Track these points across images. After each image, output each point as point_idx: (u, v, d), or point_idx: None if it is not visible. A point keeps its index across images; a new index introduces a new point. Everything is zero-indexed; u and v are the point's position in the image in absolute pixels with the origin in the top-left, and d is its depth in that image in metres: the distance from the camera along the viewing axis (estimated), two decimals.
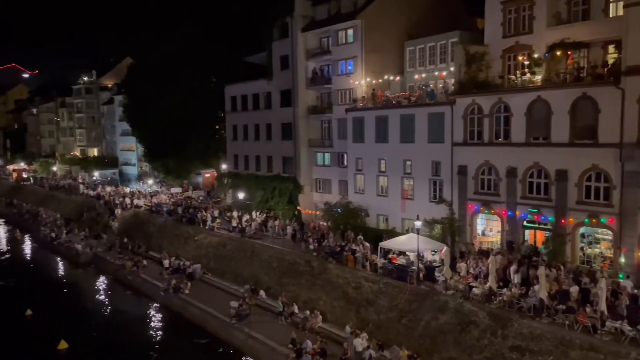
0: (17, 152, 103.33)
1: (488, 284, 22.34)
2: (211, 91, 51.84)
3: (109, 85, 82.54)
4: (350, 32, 36.58)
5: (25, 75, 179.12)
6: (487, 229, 28.82)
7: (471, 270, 24.24)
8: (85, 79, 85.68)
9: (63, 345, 26.10)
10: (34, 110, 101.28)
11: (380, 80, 35.18)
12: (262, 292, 29.82)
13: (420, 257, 25.74)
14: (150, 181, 62.61)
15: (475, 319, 21.02)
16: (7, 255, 47.44)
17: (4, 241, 54.24)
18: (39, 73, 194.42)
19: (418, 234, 25.15)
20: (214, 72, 51.79)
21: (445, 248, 25.54)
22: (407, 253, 26.43)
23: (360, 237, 29.88)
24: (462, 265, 24.69)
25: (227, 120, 49.22)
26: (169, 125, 50.82)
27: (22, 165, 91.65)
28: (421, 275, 24.98)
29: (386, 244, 27.66)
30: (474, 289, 22.59)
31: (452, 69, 30.85)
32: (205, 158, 54.73)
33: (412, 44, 34.82)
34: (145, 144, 58.72)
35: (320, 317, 25.84)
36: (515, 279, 22.17)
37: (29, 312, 30.92)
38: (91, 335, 28.10)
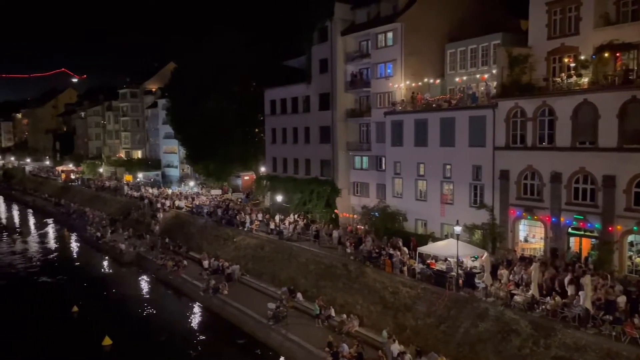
0: (66, 154, 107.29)
1: (530, 292, 21.75)
2: (251, 95, 52.64)
3: (153, 89, 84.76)
4: (389, 35, 36.41)
5: (75, 80, 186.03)
6: (530, 235, 28.07)
7: (512, 278, 23.66)
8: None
9: (107, 341, 26.91)
10: (82, 114, 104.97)
11: (419, 83, 34.86)
12: (299, 295, 29.94)
13: (459, 263, 25.30)
14: (192, 183, 63.96)
15: (517, 328, 20.48)
16: (55, 253, 49.30)
17: (52, 239, 56.40)
18: (87, 77, 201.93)
19: (457, 239, 24.72)
20: (254, 76, 52.52)
21: (485, 254, 25.02)
22: (446, 259, 26.04)
23: (396, 240, 29.66)
24: (503, 272, 24.12)
25: (267, 124, 49.77)
26: (209, 129, 51.84)
27: (71, 166, 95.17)
28: (460, 281, 24.53)
29: (425, 249, 27.34)
30: (516, 297, 22.02)
31: (494, 71, 30.28)
32: (245, 161, 55.52)
33: (453, 47, 34.36)
34: (187, 146, 60.01)
35: (357, 321, 25.73)
36: (570, 290, 21.16)
37: (75, 308, 31.99)
38: (134, 332, 28.83)
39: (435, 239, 29.65)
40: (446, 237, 29.88)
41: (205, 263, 37.61)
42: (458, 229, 24.92)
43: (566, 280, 21.72)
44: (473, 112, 30.13)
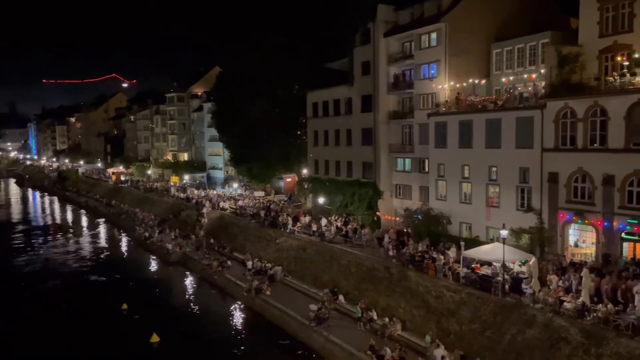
0: (117, 156, 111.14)
1: (581, 299, 20.98)
2: (293, 98, 53.11)
3: (199, 94, 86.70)
4: (433, 35, 35.98)
5: (125, 85, 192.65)
6: (580, 240, 27.06)
7: (562, 284, 22.89)
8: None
9: (155, 338, 27.68)
10: (132, 118, 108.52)
11: (464, 84, 34.26)
12: (341, 297, 29.96)
13: (506, 267, 24.67)
14: (235, 185, 65.05)
15: (567, 336, 19.79)
16: (106, 253, 51.13)
17: (103, 239, 58.55)
18: (137, 82, 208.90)
19: (504, 243, 24.14)
20: (296, 79, 52.98)
21: (533, 259, 24.32)
22: (492, 263, 25.47)
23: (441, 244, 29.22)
24: (552, 278, 23.37)
25: (309, 126, 50.07)
26: (253, 131, 52.62)
27: (121, 168, 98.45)
28: (507, 286, 23.91)
29: (469, 252, 26.82)
30: (565, 304, 21.29)
31: (542, 71, 29.42)
32: (287, 163, 56.02)
33: (499, 46, 33.61)
34: (231, 149, 61.10)
35: (400, 324, 25.50)
36: (637, 298, 20.15)
37: (124, 306, 33.03)
38: (180, 330, 29.54)
39: (480, 243, 29.04)
40: (491, 240, 29.21)
41: (249, 264, 38.17)
42: (504, 232, 24.31)
43: (635, 289, 20.40)
44: (520, 112, 29.34)
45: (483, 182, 31.58)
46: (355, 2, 42.49)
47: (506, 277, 24.25)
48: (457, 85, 34.45)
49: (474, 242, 29.43)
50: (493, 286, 24.01)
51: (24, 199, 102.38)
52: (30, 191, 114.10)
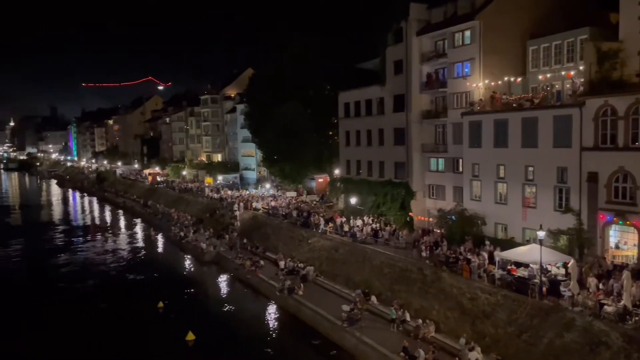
0: (153, 158, 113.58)
1: (622, 302, 20.30)
2: (325, 98, 53.19)
3: (232, 95, 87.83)
4: (467, 33, 35.44)
5: (160, 88, 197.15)
6: (621, 241, 26.19)
7: (602, 286, 22.21)
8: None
9: (190, 336, 28.16)
10: (167, 120, 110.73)
11: (499, 82, 33.62)
12: (373, 298, 29.83)
13: (543, 269, 24.09)
14: (268, 185, 65.59)
15: (607, 340, 19.19)
16: (142, 252, 52.31)
17: (140, 239, 59.93)
18: (172, 85, 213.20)
19: (541, 244, 23.58)
20: (328, 80, 53.05)
21: (572, 261, 23.67)
22: (529, 265, 24.91)
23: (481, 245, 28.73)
24: (592, 281, 22.71)
25: (340, 126, 50.05)
26: (285, 132, 52.96)
27: (157, 169, 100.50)
28: (544, 289, 23.35)
29: (505, 254, 26.30)
30: (606, 307, 20.64)
31: (581, 67, 28.60)
32: (319, 163, 56.16)
33: (536, 43, 32.84)
34: (263, 150, 61.67)
35: (433, 326, 25.23)
36: None
37: (160, 304, 33.69)
38: (214, 328, 29.98)
39: (516, 244, 28.45)
40: (528, 242, 28.60)
41: (281, 263, 38.42)
42: (542, 234, 23.76)
43: None
44: (558, 111, 28.62)
45: (519, 182, 30.92)
46: (387, 1, 42.29)
47: (544, 279, 23.69)
48: (492, 84, 33.84)
49: (509, 244, 28.88)
50: (530, 288, 23.47)
51: (65, 200, 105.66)
52: (70, 192, 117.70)
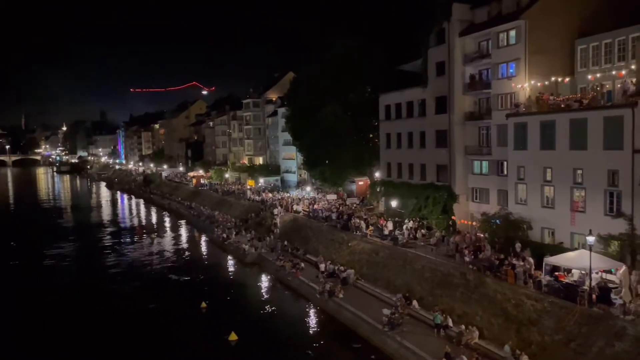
0: (197, 161, 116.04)
1: None
2: (366, 101, 53.05)
3: (274, 99, 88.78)
4: (512, 33, 34.62)
5: (204, 92, 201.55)
6: None
7: None
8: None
9: (233, 337, 28.61)
10: (211, 123, 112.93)
11: (546, 83, 32.67)
12: (414, 302, 29.51)
13: (593, 276, 23.22)
14: (308, 188, 65.88)
15: None
16: (187, 253, 53.52)
17: (184, 240, 61.33)
18: (215, 89, 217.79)
19: (590, 250, 22.76)
20: (369, 82, 52.90)
21: (623, 268, 22.73)
22: (576, 271, 24.06)
23: (523, 249, 27.96)
24: None
25: (381, 129, 49.79)
26: (325, 135, 53.10)
27: (200, 172, 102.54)
28: (594, 296, 22.50)
29: (553, 259, 25.50)
30: None
31: (633, 67, 27.49)
32: (359, 166, 55.99)
33: (585, 42, 31.79)
34: (304, 153, 62.01)
35: (477, 332, 24.72)
36: None
37: (204, 304, 34.41)
38: (256, 329, 30.38)
39: (564, 250, 27.54)
40: (577, 247, 27.62)
41: (322, 266, 38.52)
42: (591, 239, 22.94)
43: None
44: (608, 112, 27.54)
45: (567, 185, 29.92)
46: (429, 2, 41.82)
47: (593, 286, 22.83)
48: (539, 84, 32.93)
49: (557, 249, 27.99)
50: (579, 295, 22.68)
51: (113, 202, 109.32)
52: (118, 194, 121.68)
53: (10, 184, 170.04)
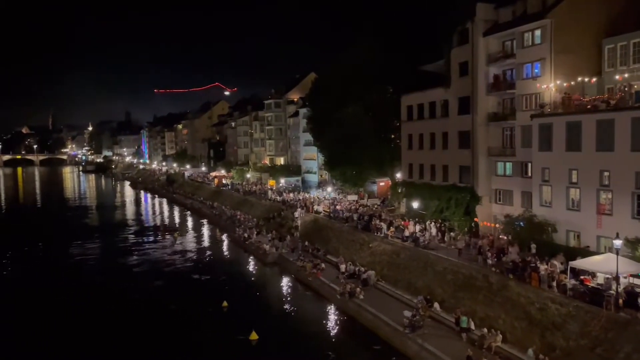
0: (219, 161, 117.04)
1: None
2: (387, 101, 52.81)
3: (295, 100, 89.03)
4: (537, 32, 34.09)
5: (227, 93, 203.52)
6: None
7: None
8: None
9: (254, 336, 28.78)
10: (233, 124, 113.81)
11: (572, 83, 32.07)
12: (436, 304, 29.25)
13: (619, 280, 22.70)
14: (329, 188, 65.86)
15: None
16: (208, 252, 54.00)
17: (206, 239, 61.91)
18: (237, 90, 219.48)
19: (617, 254, 22.27)
20: (391, 82, 52.66)
21: None
22: (601, 274, 23.56)
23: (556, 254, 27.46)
24: None
25: (403, 130, 49.50)
26: (347, 136, 53.02)
27: (222, 172, 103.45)
28: (620, 301, 22.01)
29: (578, 263, 25.02)
30: None
31: None
32: (381, 167, 55.77)
33: (612, 41, 31.10)
34: (325, 153, 62.02)
35: (500, 336, 24.38)
36: None
37: (225, 304, 34.67)
38: (277, 329, 30.48)
39: (590, 253, 27.00)
40: (603, 251, 27.05)
41: (342, 267, 38.47)
42: (618, 242, 22.47)
43: None
44: (637, 112, 26.90)
45: (593, 187, 29.32)
46: (452, 2, 41.46)
47: (620, 290, 22.32)
48: (564, 85, 32.34)
49: (583, 252, 27.45)
50: (605, 300, 22.20)
51: (137, 201, 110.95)
52: (142, 193, 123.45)
53: (37, 183, 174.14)
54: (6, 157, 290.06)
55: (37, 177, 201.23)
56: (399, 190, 49.44)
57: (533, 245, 29.82)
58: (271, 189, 74.56)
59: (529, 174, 34.91)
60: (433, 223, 39.49)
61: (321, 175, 76.42)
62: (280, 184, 79.22)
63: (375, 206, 52.40)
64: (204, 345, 28.58)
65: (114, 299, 37.41)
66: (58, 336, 30.23)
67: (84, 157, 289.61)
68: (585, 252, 27.38)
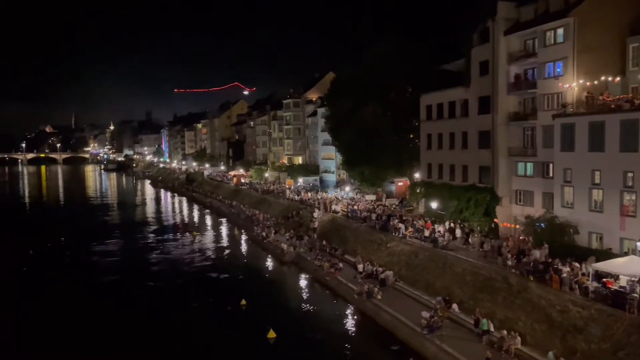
0: (237, 160, 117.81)
1: None
2: (406, 101, 52.56)
3: (313, 99, 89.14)
4: (560, 31, 33.60)
5: (245, 93, 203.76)
6: None
7: None
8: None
9: (272, 334, 28.89)
10: (251, 123, 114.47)
11: (595, 82, 31.53)
12: (454, 306, 29.03)
13: None
14: (347, 188, 65.80)
15: None
16: (227, 251, 54.37)
17: (225, 238, 62.35)
18: (257, 90, 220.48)
19: None
20: (410, 82, 52.40)
21: None
22: (624, 277, 23.11)
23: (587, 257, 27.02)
24: None
25: (422, 129, 49.22)
26: (365, 135, 52.91)
27: (241, 171, 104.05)
28: None
29: (601, 265, 24.59)
30: None
31: None
32: (399, 167, 55.54)
33: (637, 40, 30.62)
34: (343, 153, 61.98)
35: (519, 338, 24.10)
36: None
37: (243, 302, 34.86)
38: (294, 328, 30.52)
39: (613, 255, 26.52)
40: (626, 253, 26.54)
41: (360, 267, 38.41)
42: None
43: None
44: None
45: (617, 188, 28.78)
46: (473, 1, 41.14)
47: None
48: (587, 84, 31.81)
49: (605, 254, 26.97)
50: (628, 303, 21.78)
51: (157, 199, 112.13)
52: (162, 192, 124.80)
53: (60, 181, 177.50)
54: (30, 156, 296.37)
55: (60, 175, 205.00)
56: (418, 191, 49.14)
57: (545, 246, 29.40)
58: (289, 188, 74.75)
59: (551, 175, 34.43)
60: (458, 225, 39.00)
61: (339, 175, 76.39)
62: (298, 184, 79.39)
63: (394, 206, 52.20)
64: (222, 343, 28.77)
65: (134, 296, 37.92)
66: (79, 331, 30.72)
67: (105, 156, 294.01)
68: (608, 254, 26.91)
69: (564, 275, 25.46)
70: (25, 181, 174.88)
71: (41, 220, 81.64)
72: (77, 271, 46.52)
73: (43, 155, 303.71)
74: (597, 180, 30.17)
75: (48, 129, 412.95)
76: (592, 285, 24.20)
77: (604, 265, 24.53)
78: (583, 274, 25.43)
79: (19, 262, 49.62)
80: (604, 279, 24.25)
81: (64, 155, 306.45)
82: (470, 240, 35.66)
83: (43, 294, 38.97)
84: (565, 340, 22.71)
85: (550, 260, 27.85)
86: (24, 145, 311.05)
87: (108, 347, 28.59)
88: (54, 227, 71.64)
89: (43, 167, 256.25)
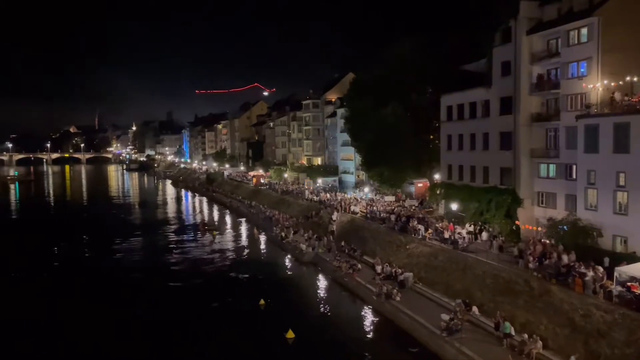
0: (257, 160, 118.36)
1: None
2: (427, 101, 52.22)
3: (333, 100, 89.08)
4: (584, 31, 33.02)
5: (265, 93, 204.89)
6: None
7: None
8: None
9: (291, 334, 28.99)
10: (271, 124, 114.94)
11: (620, 83, 30.91)
12: (474, 308, 28.75)
13: None
14: (366, 189, 65.62)
15: None
16: (246, 251, 54.70)
17: (244, 238, 62.71)
18: (276, 91, 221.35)
19: None
20: (430, 82, 52.04)
21: None
22: None
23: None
24: None
25: (442, 130, 48.83)
26: (384, 136, 52.65)
27: (260, 172, 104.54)
28: None
29: (626, 269, 24.11)
30: None
31: None
32: (419, 168, 55.16)
33: None
34: (363, 153, 61.79)
35: (541, 342, 23.76)
36: None
37: (262, 302, 35.05)
38: (313, 328, 30.60)
39: (637, 259, 25.97)
40: None
41: (379, 268, 38.28)
42: None
43: None
44: None
45: None
46: (494, 0, 40.64)
47: None
48: (612, 84, 31.21)
49: (630, 258, 26.43)
50: None
51: (178, 199, 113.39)
52: (183, 191, 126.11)
53: (84, 180, 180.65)
54: (55, 155, 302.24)
55: (83, 175, 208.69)
56: (438, 192, 48.76)
57: (561, 247, 28.87)
58: (308, 189, 74.84)
59: (574, 177, 33.85)
60: (485, 228, 38.53)
61: (358, 176, 76.23)
62: (317, 184, 79.44)
63: (413, 207, 51.91)
64: (242, 343, 28.94)
65: (155, 295, 38.40)
66: (100, 329, 31.26)
67: (127, 156, 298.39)
68: (633, 258, 26.35)
69: (587, 278, 25.01)
70: (50, 180, 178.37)
71: (66, 218, 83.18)
72: (100, 269, 47.22)
73: (67, 155, 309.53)
74: (621, 183, 29.56)
75: (72, 130, 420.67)
76: (616, 289, 23.74)
77: (629, 269, 24.05)
78: (608, 279, 24.96)
79: (45, 259, 50.73)
80: (629, 283, 23.78)
81: (88, 155, 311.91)
82: (494, 242, 35.16)
83: (67, 291, 39.74)
84: (588, 345, 22.32)
85: (572, 263, 27.38)
86: (48, 145, 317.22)
87: (128, 345, 29.01)
88: (78, 226, 72.98)
89: (67, 167, 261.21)
